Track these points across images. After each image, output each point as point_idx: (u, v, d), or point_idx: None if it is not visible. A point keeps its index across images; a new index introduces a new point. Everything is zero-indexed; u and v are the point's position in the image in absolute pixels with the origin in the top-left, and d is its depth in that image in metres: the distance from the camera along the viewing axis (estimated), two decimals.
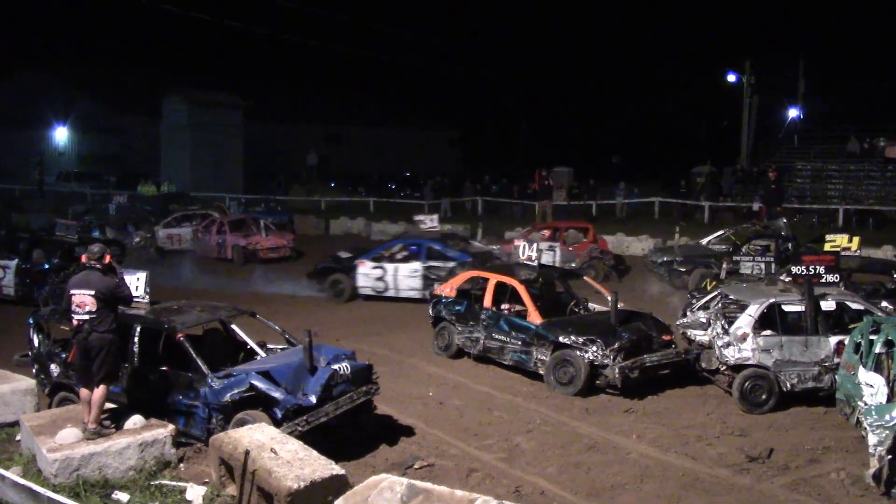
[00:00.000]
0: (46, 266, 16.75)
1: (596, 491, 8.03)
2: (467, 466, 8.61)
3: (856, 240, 13.89)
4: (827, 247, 13.17)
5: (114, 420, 8.40)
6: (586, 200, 32.34)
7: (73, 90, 46.85)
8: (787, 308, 10.68)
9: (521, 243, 18.50)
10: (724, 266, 15.21)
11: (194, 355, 8.87)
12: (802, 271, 11.09)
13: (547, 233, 20.66)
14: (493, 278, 12.71)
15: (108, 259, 8.27)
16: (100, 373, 8.06)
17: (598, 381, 10.90)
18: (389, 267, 17.19)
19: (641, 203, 32.09)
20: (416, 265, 16.95)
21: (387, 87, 57.89)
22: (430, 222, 19.61)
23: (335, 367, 8.93)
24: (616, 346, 10.85)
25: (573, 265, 18.67)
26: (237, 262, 22.55)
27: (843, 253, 12.79)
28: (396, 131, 56.49)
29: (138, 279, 9.73)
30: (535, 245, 16.20)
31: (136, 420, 8.37)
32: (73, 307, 8.04)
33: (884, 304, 11.86)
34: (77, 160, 47.14)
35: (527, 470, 8.58)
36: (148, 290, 9.78)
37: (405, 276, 17.03)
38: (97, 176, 41.62)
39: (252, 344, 9.76)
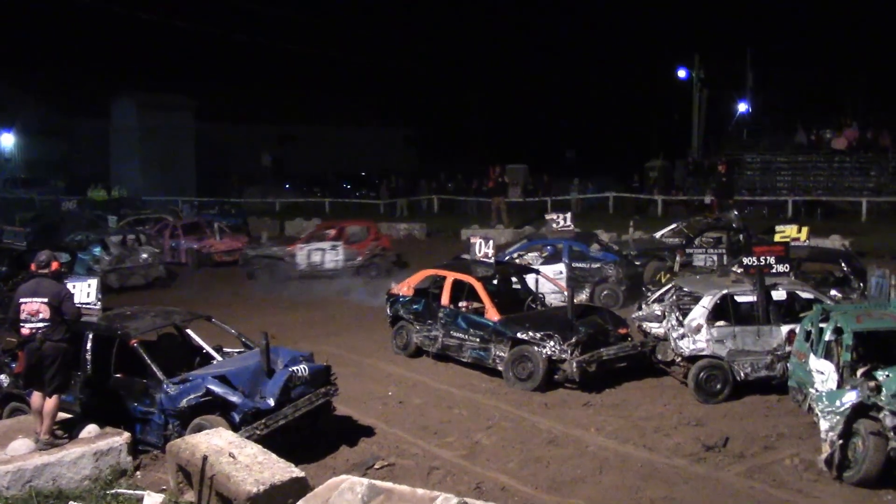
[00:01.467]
0: None
1: (556, 485, 8.08)
2: (428, 465, 8.61)
3: (805, 230, 14.15)
4: (777, 237, 13.39)
5: (67, 430, 8.25)
6: (541, 196, 32.54)
7: (18, 93, 45.82)
8: (739, 299, 10.85)
9: (302, 247, 19.67)
10: (678, 259, 15.37)
11: (149, 361, 8.76)
12: (754, 262, 11.24)
13: (332, 232, 20.86)
14: (451, 276, 12.71)
15: (55, 266, 8.13)
16: (52, 383, 7.90)
17: (556, 376, 10.96)
18: None
19: (596, 198, 32.35)
20: (560, 267, 15.71)
21: (340, 86, 57.50)
22: (562, 221, 17.66)
23: (293, 369, 8.88)
24: (573, 340, 10.92)
25: (356, 262, 19.50)
26: (191, 265, 22.29)
27: (792, 243, 12.99)
28: (351, 130, 56.11)
29: (89, 286, 9.58)
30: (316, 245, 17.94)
31: (90, 429, 8.23)
32: (25, 315, 7.86)
33: (833, 292, 12.10)
34: (24, 165, 46.15)
35: (487, 466, 8.61)
36: (99, 296, 9.62)
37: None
38: (45, 181, 40.79)
39: (208, 348, 9.67)
